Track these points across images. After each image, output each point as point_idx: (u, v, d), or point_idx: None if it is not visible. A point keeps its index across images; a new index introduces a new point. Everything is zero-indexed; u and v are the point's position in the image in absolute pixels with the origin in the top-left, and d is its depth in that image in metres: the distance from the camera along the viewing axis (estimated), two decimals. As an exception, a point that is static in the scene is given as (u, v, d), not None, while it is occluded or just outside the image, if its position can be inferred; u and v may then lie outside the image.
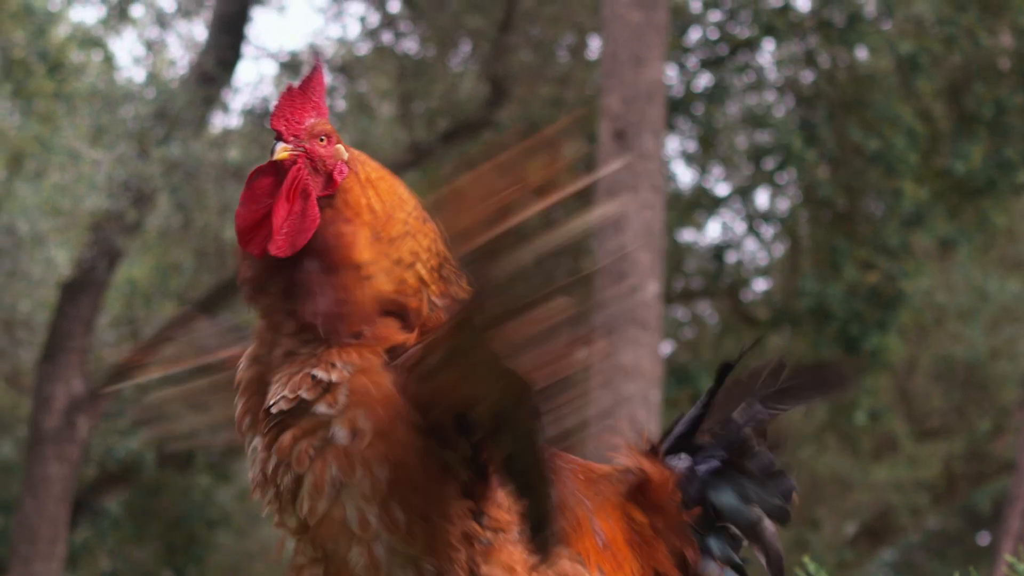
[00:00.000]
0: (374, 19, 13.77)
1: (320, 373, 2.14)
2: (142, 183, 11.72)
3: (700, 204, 14.17)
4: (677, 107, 13.00)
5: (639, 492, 2.40)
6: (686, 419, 2.51)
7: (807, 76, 13.17)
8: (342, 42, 13.93)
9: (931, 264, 14.14)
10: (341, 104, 13.58)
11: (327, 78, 2.35)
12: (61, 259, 12.16)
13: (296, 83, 2.26)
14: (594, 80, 12.53)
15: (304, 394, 2.14)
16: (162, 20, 12.94)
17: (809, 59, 12.95)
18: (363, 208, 2.21)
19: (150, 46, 13.16)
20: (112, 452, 14.55)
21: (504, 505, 2.19)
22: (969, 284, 14.50)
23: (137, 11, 12.85)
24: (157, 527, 15.90)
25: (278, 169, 2.22)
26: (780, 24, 12.53)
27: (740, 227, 14.14)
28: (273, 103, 2.28)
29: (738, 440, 2.47)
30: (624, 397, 9.13)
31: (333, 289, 2.16)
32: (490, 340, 1.99)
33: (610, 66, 9.70)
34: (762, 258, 14.79)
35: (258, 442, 2.20)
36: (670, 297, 14.04)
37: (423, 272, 2.21)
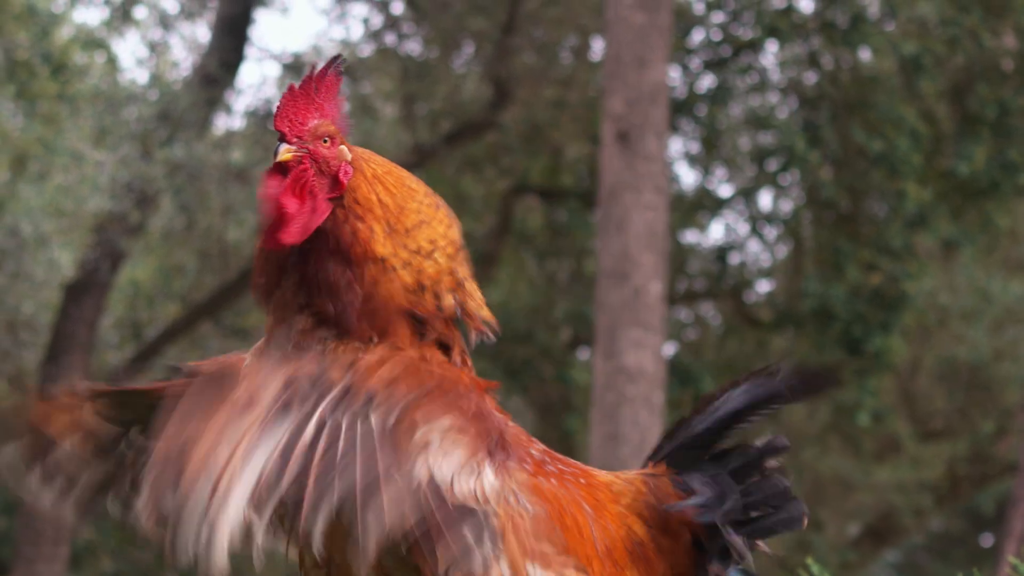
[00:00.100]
0: (377, 21, 13.77)
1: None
2: (145, 185, 11.71)
3: (703, 205, 14.16)
4: (680, 108, 13.00)
5: (643, 506, 2.33)
6: (693, 429, 2.39)
7: (810, 77, 13.15)
8: (345, 44, 13.92)
9: (934, 265, 14.12)
10: (344, 106, 13.54)
11: (338, 79, 2.34)
12: (64, 260, 12.14)
13: (296, 83, 2.25)
14: (597, 82, 12.53)
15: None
16: (165, 22, 12.92)
17: (812, 60, 12.93)
18: (374, 204, 2.20)
19: (153, 48, 13.14)
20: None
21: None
22: (972, 285, 14.47)
23: (140, 13, 12.83)
24: (160, 528, 15.87)
25: (283, 171, 2.22)
26: (783, 25, 12.52)
27: (743, 228, 14.14)
28: (276, 104, 2.28)
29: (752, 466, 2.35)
30: (627, 398, 9.14)
31: (358, 283, 2.16)
32: None
33: (613, 68, 9.70)
34: (765, 259, 14.78)
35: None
36: (673, 298, 14.03)
37: (441, 260, 2.21)
